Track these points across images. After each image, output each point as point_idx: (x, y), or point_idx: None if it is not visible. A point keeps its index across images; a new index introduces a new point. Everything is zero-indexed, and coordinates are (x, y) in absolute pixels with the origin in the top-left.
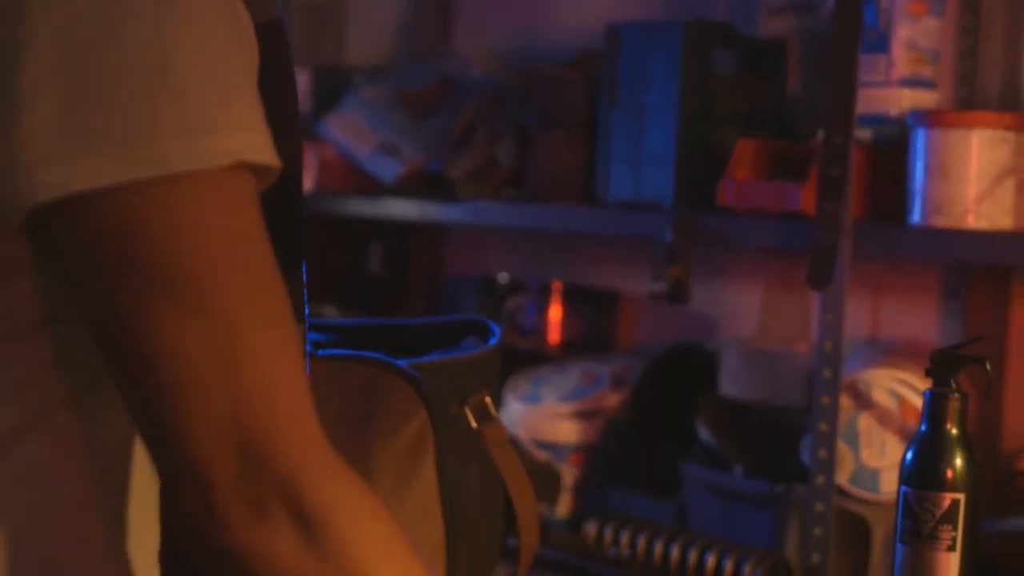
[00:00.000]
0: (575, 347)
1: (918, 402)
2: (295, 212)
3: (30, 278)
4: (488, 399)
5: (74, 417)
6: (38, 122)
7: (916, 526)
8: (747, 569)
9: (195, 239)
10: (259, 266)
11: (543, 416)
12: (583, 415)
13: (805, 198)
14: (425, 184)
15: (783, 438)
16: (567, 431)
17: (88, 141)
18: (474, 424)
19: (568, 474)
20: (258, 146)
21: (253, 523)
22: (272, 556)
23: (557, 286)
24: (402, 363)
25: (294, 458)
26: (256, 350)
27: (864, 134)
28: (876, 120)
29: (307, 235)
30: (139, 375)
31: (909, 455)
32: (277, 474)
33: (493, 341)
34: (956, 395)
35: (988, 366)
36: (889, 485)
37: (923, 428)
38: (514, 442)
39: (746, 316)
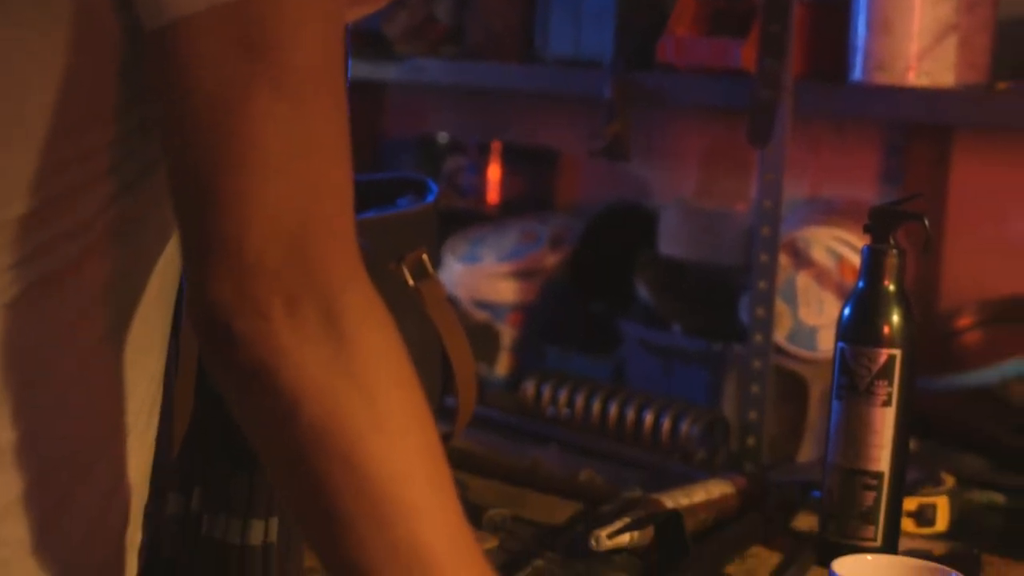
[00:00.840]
0: (514, 207)
1: (857, 260)
2: None
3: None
4: (425, 257)
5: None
6: None
7: (852, 382)
8: (684, 426)
9: (305, 33)
10: (343, 77)
11: (482, 276)
12: (522, 274)
13: (746, 55)
14: (361, 43)
15: (722, 296)
16: (506, 291)
17: None
18: (411, 282)
19: (506, 333)
20: None
21: (285, 319)
22: (298, 364)
23: (496, 145)
24: None
25: (338, 267)
26: (331, 149)
27: None
28: None
29: None
30: (214, 145)
31: (846, 311)
32: (319, 277)
33: (430, 198)
34: (894, 251)
35: (926, 223)
36: (826, 343)
37: (860, 284)
38: (453, 302)
39: (686, 175)
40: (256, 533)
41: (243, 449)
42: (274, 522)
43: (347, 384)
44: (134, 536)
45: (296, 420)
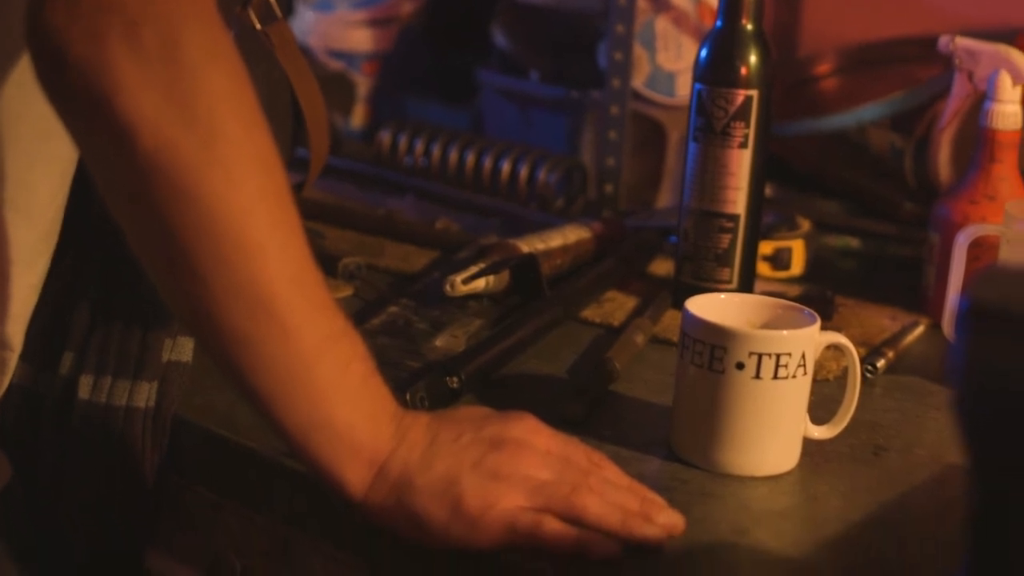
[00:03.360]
0: None
1: (715, 3)
2: None
3: None
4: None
5: None
6: None
7: (708, 123)
8: (542, 174)
9: None
10: None
11: (335, 24)
12: (377, 23)
13: None
14: None
15: (579, 42)
16: (361, 39)
17: None
18: (258, 25)
19: (362, 83)
20: None
21: (121, 45)
22: (133, 93)
23: None
24: None
25: None
26: None
27: None
28: None
29: None
30: None
31: (703, 51)
32: (161, 4)
33: None
34: None
35: None
36: (684, 88)
37: (719, 24)
38: (306, 52)
39: None
40: (141, 396)
41: (132, 307)
42: (156, 384)
43: (185, 118)
44: None
45: (132, 152)
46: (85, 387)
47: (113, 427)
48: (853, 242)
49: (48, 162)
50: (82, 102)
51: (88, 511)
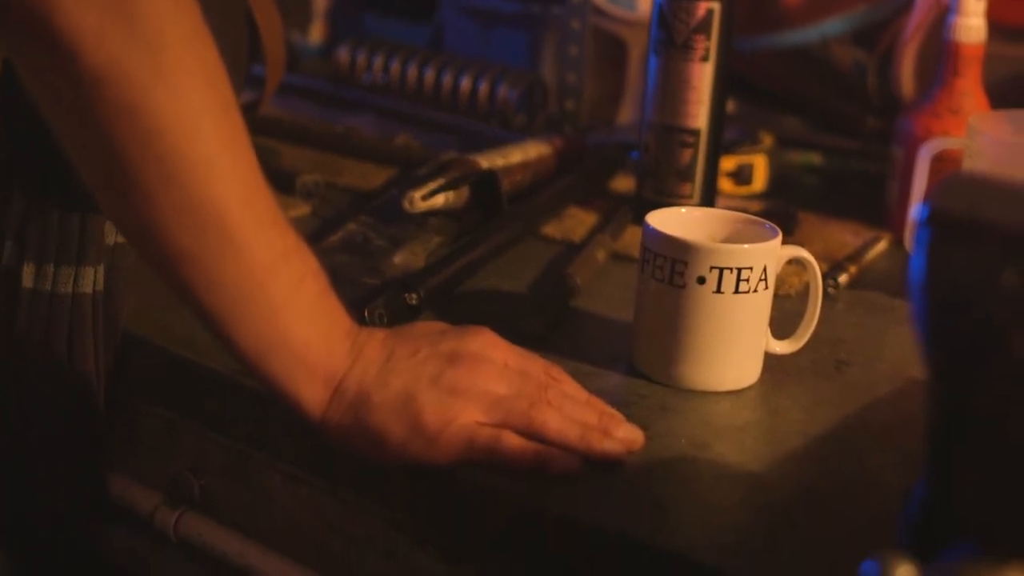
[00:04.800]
0: None
1: None
2: None
3: None
4: None
5: None
6: None
7: (670, 36)
8: (503, 90)
9: None
10: None
11: None
12: None
13: None
14: None
15: None
16: None
17: None
18: None
19: None
20: None
21: None
22: (71, 9)
23: None
24: None
25: None
26: None
27: None
28: None
29: None
30: None
31: None
32: None
33: None
34: None
35: None
36: (646, 3)
37: None
38: None
39: None
40: (87, 281)
41: (70, 191)
42: (102, 269)
43: (127, 31)
44: None
45: (74, 67)
46: (28, 276)
47: (60, 318)
48: (816, 158)
49: None
50: (19, 16)
51: (39, 415)
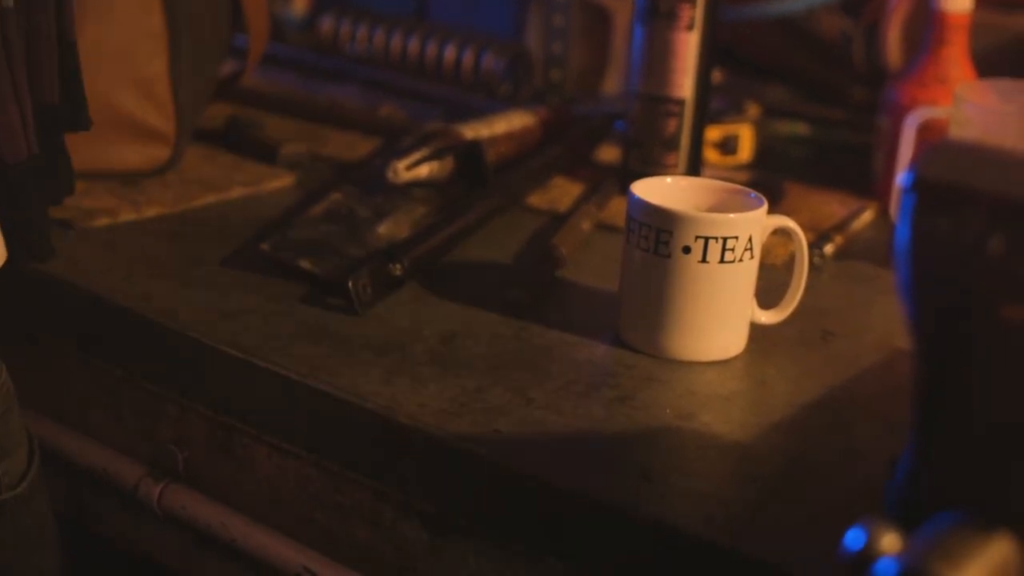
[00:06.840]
0: None
1: None
2: None
3: None
4: None
5: None
6: None
7: (655, 5)
8: (487, 61)
9: None
10: None
11: None
12: None
13: None
14: None
15: None
16: None
17: None
18: None
19: None
20: None
21: None
22: None
23: None
24: None
25: None
26: None
27: None
28: None
29: None
30: None
31: None
32: None
33: None
34: None
35: None
36: None
37: None
38: None
39: None
40: None
41: None
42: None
43: None
44: None
45: None
46: None
47: None
48: (802, 128)
49: None
50: None
51: None
